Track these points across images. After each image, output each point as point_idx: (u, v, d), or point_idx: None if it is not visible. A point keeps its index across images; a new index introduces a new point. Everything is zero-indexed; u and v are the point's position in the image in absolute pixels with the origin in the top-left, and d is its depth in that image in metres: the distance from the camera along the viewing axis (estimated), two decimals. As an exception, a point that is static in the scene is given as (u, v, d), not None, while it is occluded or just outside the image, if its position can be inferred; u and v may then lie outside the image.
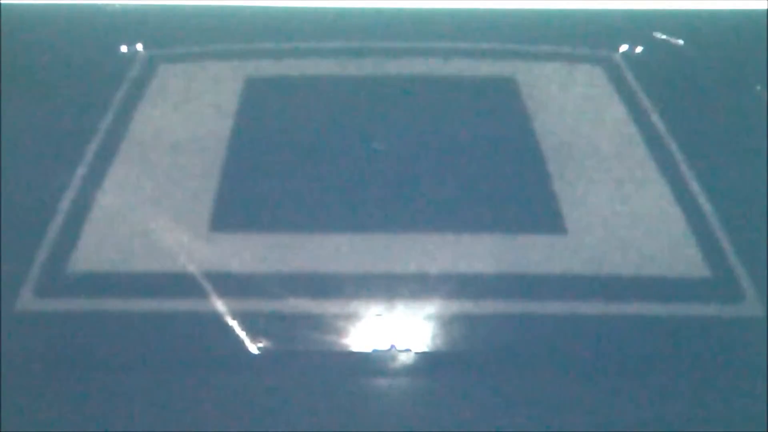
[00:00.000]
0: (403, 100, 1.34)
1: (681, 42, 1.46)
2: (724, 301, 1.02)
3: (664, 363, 0.96)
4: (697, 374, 0.95)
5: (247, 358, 0.95)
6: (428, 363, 0.96)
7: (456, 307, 1.01)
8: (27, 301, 1.00)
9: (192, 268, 1.03)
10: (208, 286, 1.01)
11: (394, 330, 0.98)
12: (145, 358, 0.96)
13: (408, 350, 0.96)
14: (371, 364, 0.95)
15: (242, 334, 0.96)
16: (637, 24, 1.49)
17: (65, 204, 1.12)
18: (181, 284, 1.02)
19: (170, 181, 1.16)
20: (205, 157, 1.20)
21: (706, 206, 1.12)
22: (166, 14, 1.50)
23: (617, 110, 1.30)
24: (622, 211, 1.13)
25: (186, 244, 1.06)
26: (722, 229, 1.09)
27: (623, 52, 1.42)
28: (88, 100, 1.32)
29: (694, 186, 1.15)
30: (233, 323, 0.97)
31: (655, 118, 1.27)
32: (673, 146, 1.22)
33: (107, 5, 1.50)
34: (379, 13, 1.49)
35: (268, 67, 1.41)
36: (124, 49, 1.42)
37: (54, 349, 0.97)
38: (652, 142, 1.23)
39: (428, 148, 1.24)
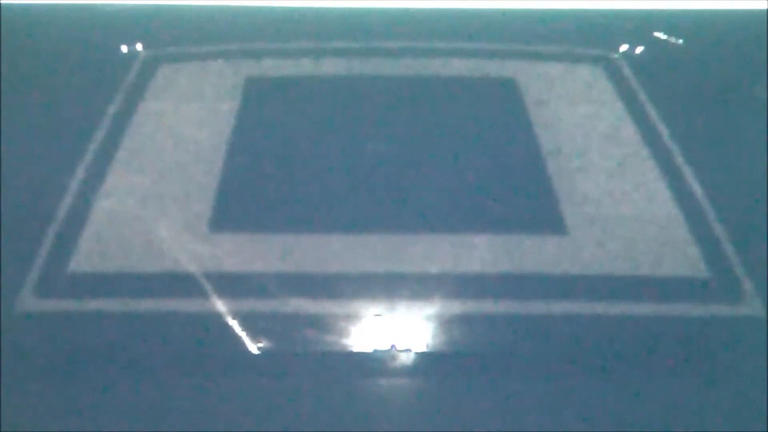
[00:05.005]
0: (404, 100, 1.34)
1: (681, 42, 1.46)
2: (724, 301, 1.02)
3: (664, 363, 0.96)
4: (697, 374, 0.95)
5: (247, 358, 0.95)
6: (428, 363, 0.96)
7: (456, 307, 1.01)
8: (27, 301, 1.00)
9: (192, 269, 1.03)
10: (208, 286, 1.01)
11: (394, 330, 0.98)
12: (145, 358, 0.96)
13: (408, 350, 0.96)
14: (371, 364, 0.95)
15: (242, 334, 0.96)
16: (637, 24, 1.49)
17: (65, 204, 1.12)
18: (181, 284, 1.02)
19: (170, 181, 1.16)
20: (205, 157, 1.20)
21: (706, 206, 1.12)
22: (166, 14, 1.50)
23: (617, 110, 1.30)
24: (622, 211, 1.13)
25: (186, 244, 1.06)
26: (722, 229, 1.09)
27: (623, 52, 1.42)
28: (88, 100, 1.32)
29: (694, 186, 1.15)
30: (233, 323, 0.97)
31: (655, 118, 1.27)
32: (673, 146, 1.22)
33: (107, 5, 1.50)
34: (379, 13, 1.49)
35: (268, 67, 1.41)
36: (124, 49, 1.42)
37: (54, 349, 0.97)
38: (652, 142, 1.23)
39: (428, 148, 1.24)
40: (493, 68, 1.41)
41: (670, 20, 1.49)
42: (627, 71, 1.37)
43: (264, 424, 0.89)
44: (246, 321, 0.97)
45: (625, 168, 1.20)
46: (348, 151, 1.24)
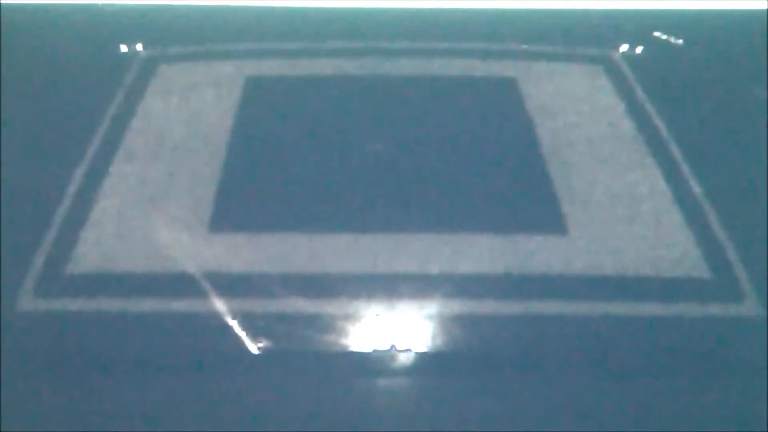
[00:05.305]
0: (403, 100, 1.34)
1: (681, 42, 1.46)
2: (724, 301, 1.02)
3: (664, 363, 0.96)
4: (697, 374, 0.95)
5: (247, 358, 0.95)
6: (428, 363, 0.96)
7: (456, 307, 1.01)
8: (27, 301, 1.00)
9: (192, 268, 1.03)
10: (208, 286, 1.01)
11: (394, 330, 0.98)
12: (145, 358, 0.96)
13: (408, 350, 0.96)
14: (371, 364, 0.95)
15: (242, 334, 0.96)
16: (637, 24, 1.49)
17: (65, 204, 1.12)
18: (181, 284, 1.02)
19: (170, 181, 1.16)
20: (205, 157, 1.20)
21: (706, 206, 1.12)
22: (166, 14, 1.50)
23: (617, 110, 1.30)
24: (622, 211, 1.13)
25: (186, 244, 1.06)
26: (722, 229, 1.09)
27: (623, 52, 1.42)
28: (88, 100, 1.32)
29: (694, 186, 1.15)
30: (233, 323, 0.97)
31: (655, 118, 1.27)
32: (673, 146, 1.22)
33: (107, 5, 1.50)
34: (379, 13, 1.49)
35: (268, 67, 1.41)
36: (124, 49, 1.42)
37: (54, 349, 0.97)
38: (652, 142, 1.23)
39: (428, 148, 1.24)
40: (493, 68, 1.41)
41: (670, 20, 1.49)
42: (627, 71, 1.37)
43: (264, 424, 0.89)
44: (246, 321, 0.97)
45: (625, 168, 1.20)
46: (348, 151, 1.24)
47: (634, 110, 1.29)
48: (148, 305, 1.00)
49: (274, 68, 1.41)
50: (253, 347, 0.95)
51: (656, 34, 1.47)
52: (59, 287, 1.03)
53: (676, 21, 1.49)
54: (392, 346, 0.96)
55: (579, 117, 1.30)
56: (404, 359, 0.95)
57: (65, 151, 1.21)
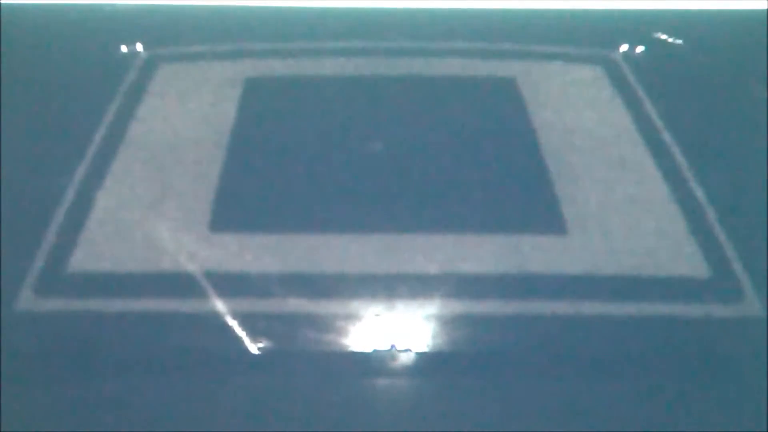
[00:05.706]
0: (403, 100, 1.34)
1: (681, 42, 1.46)
2: (723, 301, 1.02)
3: (663, 363, 0.96)
4: (697, 374, 0.95)
5: (247, 358, 0.95)
6: (428, 363, 0.96)
7: (456, 307, 1.01)
8: (27, 301, 1.00)
9: (192, 268, 1.03)
10: (208, 286, 1.01)
11: (394, 330, 0.98)
12: (145, 358, 0.96)
13: (408, 350, 0.96)
14: (371, 364, 0.95)
15: (242, 334, 0.96)
16: (637, 24, 1.49)
17: (65, 204, 1.12)
18: (181, 284, 1.02)
19: (170, 181, 1.16)
20: (205, 157, 1.20)
21: (706, 206, 1.12)
22: (166, 14, 1.50)
23: (617, 110, 1.30)
24: (622, 211, 1.13)
25: (186, 244, 1.06)
26: (722, 229, 1.09)
27: (623, 52, 1.42)
28: (88, 100, 1.32)
29: (694, 186, 1.15)
30: (233, 323, 0.97)
31: (655, 118, 1.27)
32: (673, 146, 1.22)
33: (107, 5, 1.50)
34: (379, 13, 1.49)
35: (268, 67, 1.41)
36: (124, 49, 1.42)
37: (54, 349, 0.97)
38: (653, 142, 1.23)
39: (428, 148, 1.24)
40: (493, 68, 1.41)
41: (670, 20, 1.49)
42: (627, 71, 1.37)
43: (264, 424, 0.89)
44: (246, 321, 0.97)
45: (625, 168, 1.20)
46: (348, 151, 1.24)
47: (634, 110, 1.29)
48: (148, 305, 1.01)
49: (274, 68, 1.41)
50: (253, 347, 0.95)
51: (656, 34, 1.47)
52: (59, 287, 1.03)
53: (676, 21, 1.49)
54: (392, 346, 0.96)
55: (579, 117, 1.30)
56: (404, 359, 0.95)
57: (65, 151, 1.21)
